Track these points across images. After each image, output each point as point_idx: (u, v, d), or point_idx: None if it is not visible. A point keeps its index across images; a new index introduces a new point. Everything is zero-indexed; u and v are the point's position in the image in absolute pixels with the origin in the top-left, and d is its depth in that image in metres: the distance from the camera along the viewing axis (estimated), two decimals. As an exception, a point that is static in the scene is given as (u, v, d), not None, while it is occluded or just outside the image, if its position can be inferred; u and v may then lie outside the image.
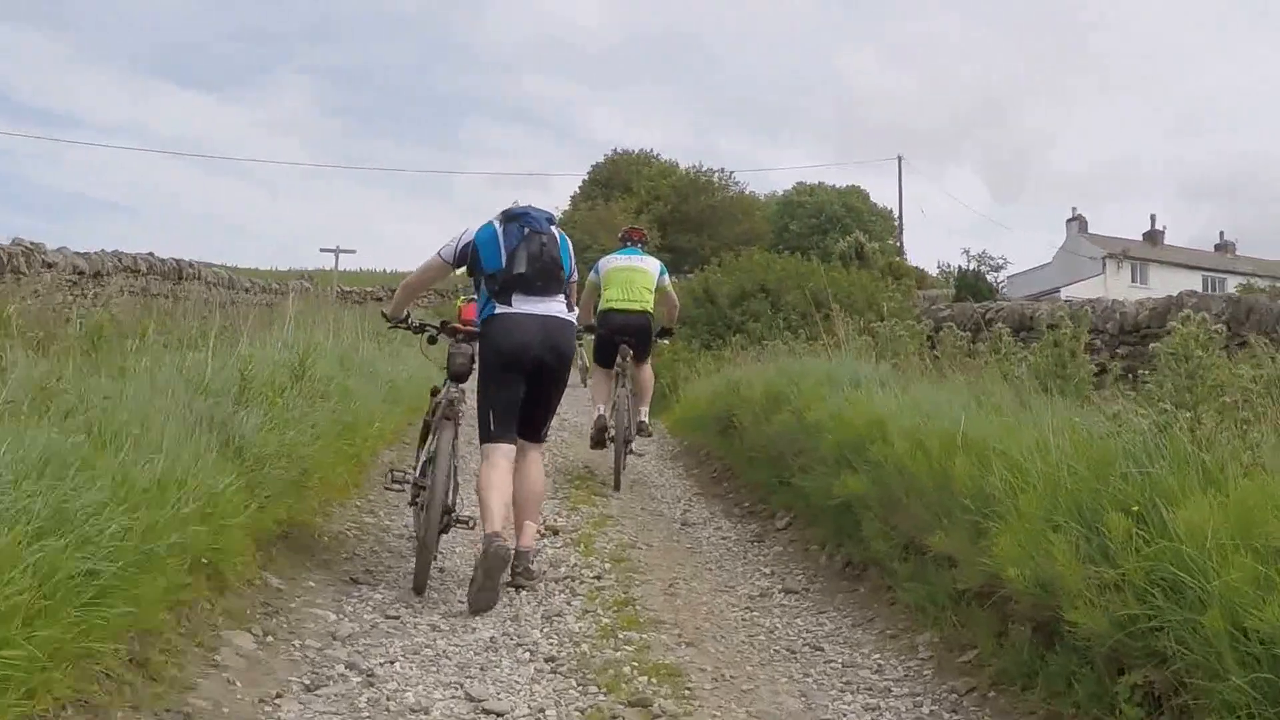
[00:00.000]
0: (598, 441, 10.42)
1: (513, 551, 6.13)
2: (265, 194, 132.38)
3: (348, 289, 39.39)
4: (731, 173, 62.84)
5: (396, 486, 6.74)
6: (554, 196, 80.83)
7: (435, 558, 6.47)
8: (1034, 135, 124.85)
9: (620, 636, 5.61)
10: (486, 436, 6.35)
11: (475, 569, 6.00)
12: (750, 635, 5.90)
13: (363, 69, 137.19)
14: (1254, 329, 9.57)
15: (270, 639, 5.22)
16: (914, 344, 9.19)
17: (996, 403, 6.44)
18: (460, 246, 6.56)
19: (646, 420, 10.83)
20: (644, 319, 10.41)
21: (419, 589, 6.16)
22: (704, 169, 61.09)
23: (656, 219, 51.96)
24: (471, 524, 6.39)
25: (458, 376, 6.58)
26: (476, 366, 6.62)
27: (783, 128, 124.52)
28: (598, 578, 6.77)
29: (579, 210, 53.61)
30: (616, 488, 9.92)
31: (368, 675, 4.85)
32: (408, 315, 7.14)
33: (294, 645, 5.24)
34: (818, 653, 5.63)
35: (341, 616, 5.76)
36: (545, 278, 6.32)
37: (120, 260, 17.35)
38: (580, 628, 5.76)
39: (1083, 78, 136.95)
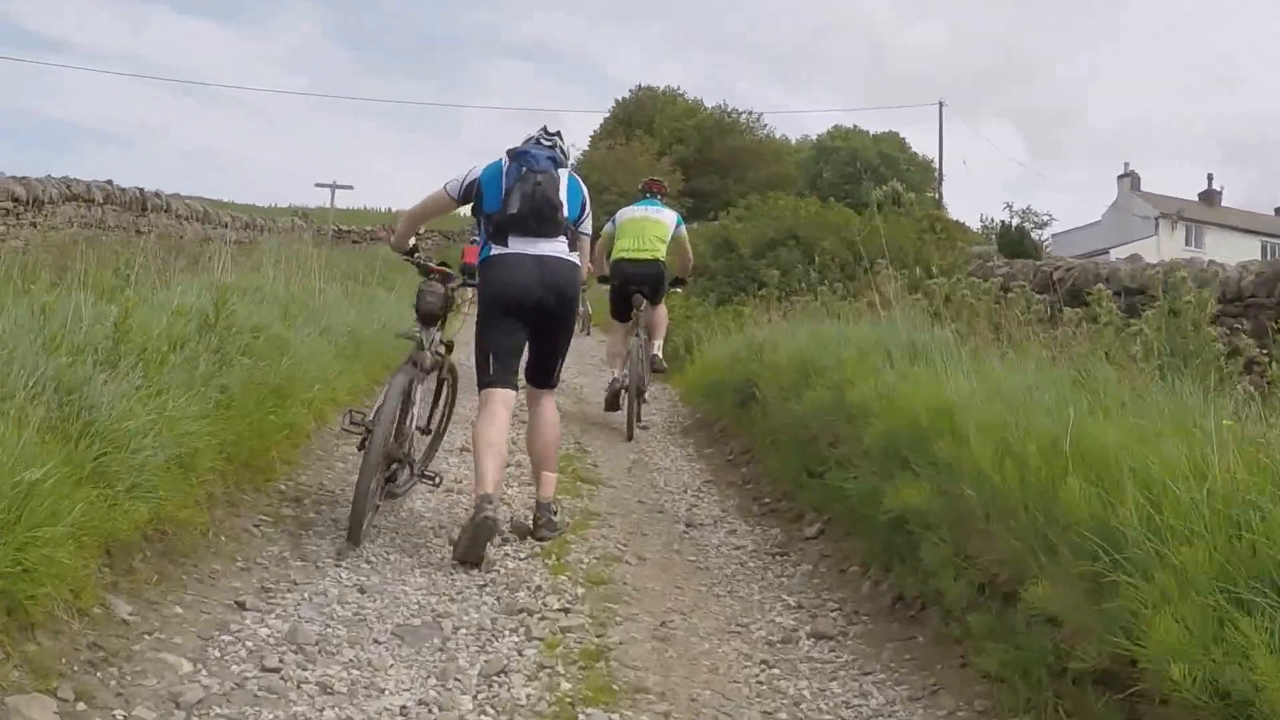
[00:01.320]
0: (611, 405, 10.67)
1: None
2: (266, 129, 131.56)
3: (345, 228, 37.80)
4: (759, 114, 61.14)
5: (354, 428, 6.07)
6: (570, 136, 77.95)
7: (373, 510, 6.02)
8: (1069, 90, 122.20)
9: (583, 716, 3.95)
10: (484, 380, 6.14)
11: (463, 531, 5.74)
12: (768, 711, 4.24)
13: (373, 2, 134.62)
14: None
15: (82, 705, 3.60)
16: (982, 306, 7.41)
17: (1103, 390, 4.76)
18: (466, 183, 6.36)
19: (660, 354, 10.88)
20: (656, 266, 10.54)
21: (353, 539, 5.68)
22: (730, 109, 59.25)
23: (679, 161, 50.31)
24: (437, 480, 6.49)
25: (426, 318, 6.35)
26: (476, 312, 6.33)
27: (806, 75, 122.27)
28: (565, 610, 5.12)
29: (598, 150, 51.90)
30: (629, 438, 9.94)
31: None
32: (415, 249, 6.86)
33: (114, 716, 3.61)
34: (865, 747, 3.94)
35: (200, 666, 4.11)
36: (539, 218, 6.07)
37: (70, 188, 15.65)
38: (528, 696, 4.14)
39: (1116, 31, 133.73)
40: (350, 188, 33.12)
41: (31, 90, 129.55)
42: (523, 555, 5.97)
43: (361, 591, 5.15)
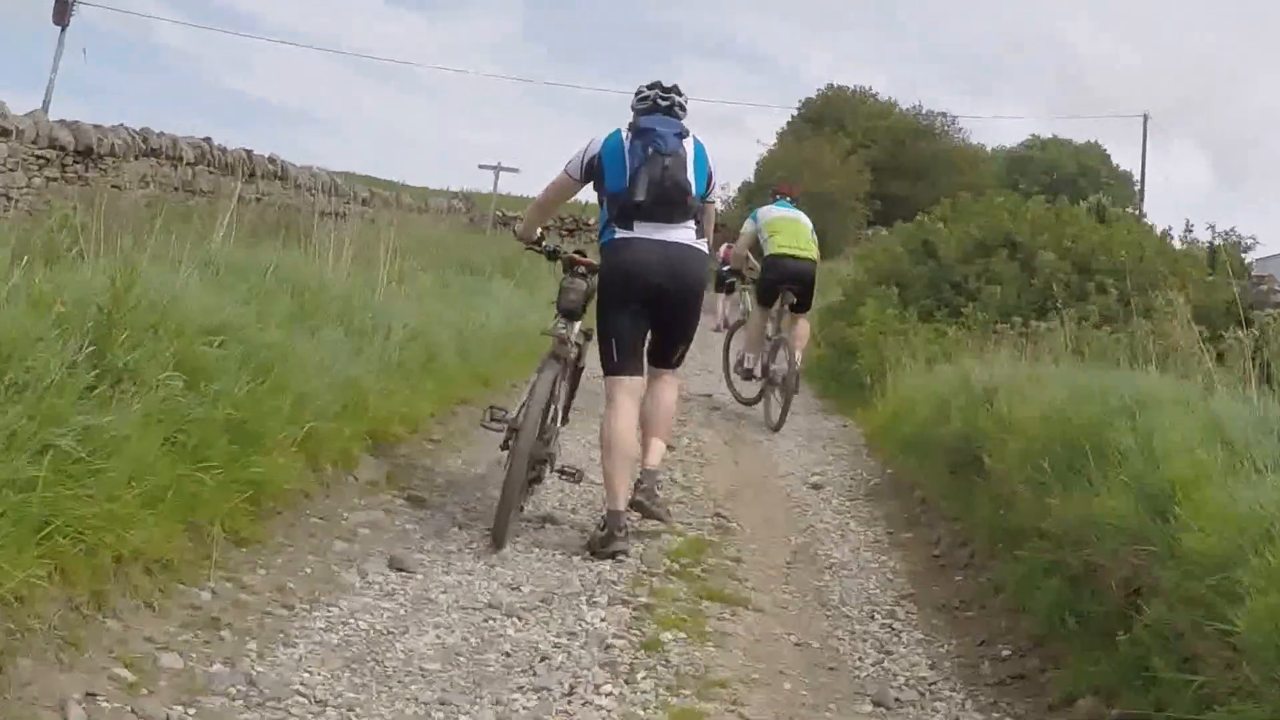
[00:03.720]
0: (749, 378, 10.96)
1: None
2: (458, 117, 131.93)
3: (511, 214, 35.42)
4: (955, 118, 56.91)
5: (495, 425, 5.90)
6: (750, 135, 75.68)
7: (521, 509, 5.84)
8: (1261, 115, 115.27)
9: None
10: (609, 368, 5.93)
11: (590, 539, 5.64)
12: None
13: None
14: None
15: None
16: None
17: None
18: (586, 160, 6.02)
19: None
20: (812, 267, 10.66)
21: (498, 542, 5.39)
22: (924, 111, 55.62)
23: (869, 163, 46.51)
24: (577, 477, 6.10)
25: (568, 313, 6.11)
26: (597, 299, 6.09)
27: (995, 89, 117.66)
28: None
29: (784, 145, 48.85)
30: (776, 429, 10.07)
31: None
32: (541, 237, 6.76)
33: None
34: None
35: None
36: (668, 204, 5.75)
37: (146, 141, 13.33)
38: None
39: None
40: (516, 170, 30.81)
41: (224, 66, 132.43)
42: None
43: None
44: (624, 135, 5.88)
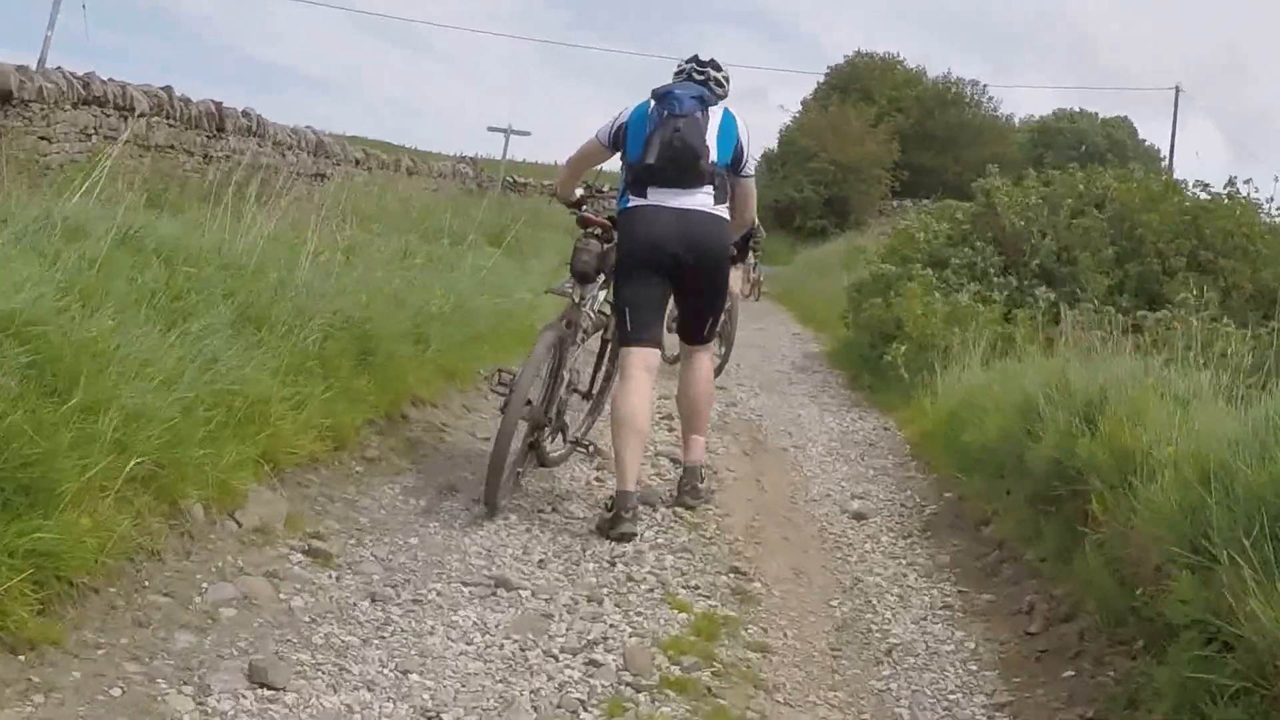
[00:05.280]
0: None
1: (635, 532, 5.24)
2: (475, 83, 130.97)
3: (521, 179, 33.73)
4: (985, 86, 55.36)
5: (500, 390, 5.40)
6: (780, 98, 74.34)
7: (516, 476, 5.53)
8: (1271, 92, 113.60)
9: None
10: (624, 337, 5.73)
11: (600, 525, 5.27)
12: None
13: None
14: None
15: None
16: None
17: None
18: (615, 128, 5.93)
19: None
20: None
21: (490, 506, 5.18)
22: (954, 80, 53.90)
23: (896, 132, 45.10)
24: (592, 449, 6.13)
25: (580, 275, 5.84)
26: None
27: (1009, 60, 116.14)
28: None
29: (809, 113, 47.27)
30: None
31: None
32: (581, 200, 6.44)
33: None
34: None
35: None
36: (679, 168, 5.56)
37: (86, 88, 11.58)
38: None
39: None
40: (527, 134, 29.22)
41: (244, 30, 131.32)
42: None
43: None
44: (650, 104, 5.75)
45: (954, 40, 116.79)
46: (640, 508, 5.41)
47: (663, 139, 5.55)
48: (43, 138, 10.61)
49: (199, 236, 5.51)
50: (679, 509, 5.72)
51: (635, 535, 5.19)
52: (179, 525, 3.94)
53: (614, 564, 4.73)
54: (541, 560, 4.69)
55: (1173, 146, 49.42)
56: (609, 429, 5.62)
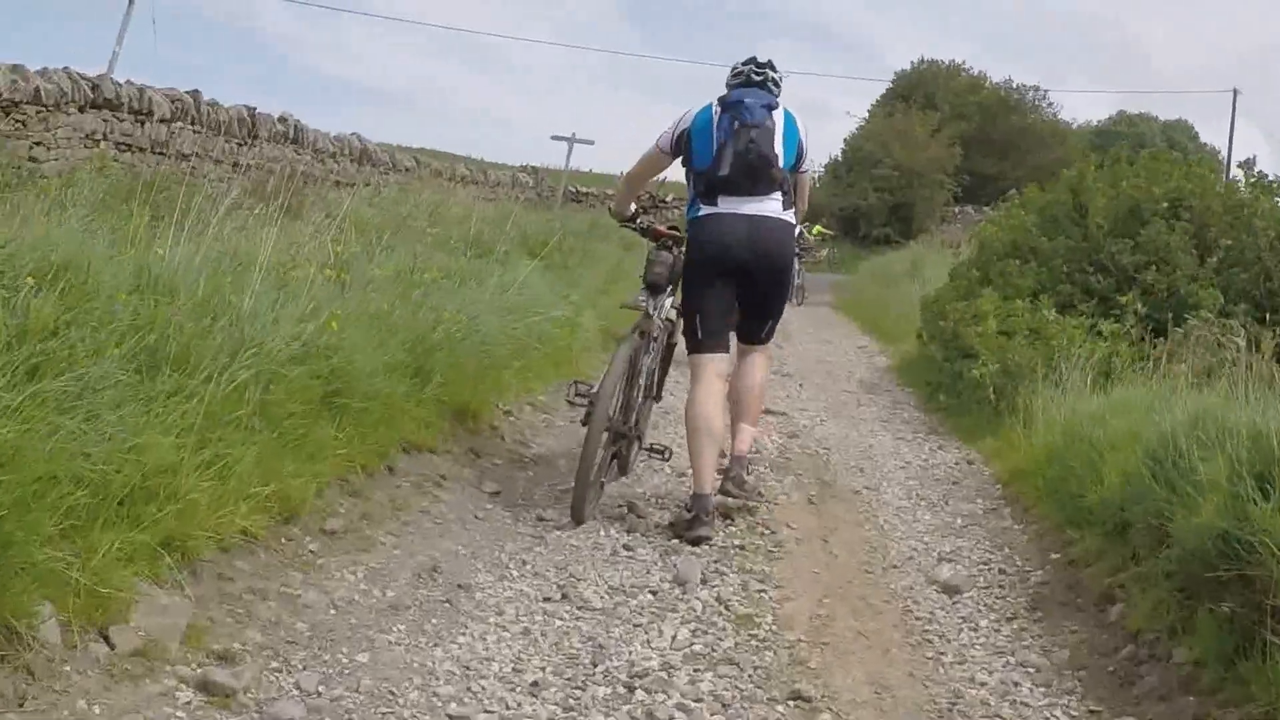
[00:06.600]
0: None
1: (713, 534, 5.36)
2: (547, 98, 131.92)
3: (584, 189, 32.76)
4: (1046, 91, 55.43)
5: (579, 400, 5.68)
6: (835, 117, 74.63)
7: (599, 486, 5.63)
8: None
9: None
10: (694, 345, 5.84)
11: (675, 526, 5.43)
12: None
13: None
14: None
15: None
16: None
17: None
18: (676, 133, 5.92)
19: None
20: None
21: (576, 518, 5.30)
22: (1015, 85, 53.99)
23: (958, 138, 44.64)
24: (666, 454, 6.20)
25: (652, 286, 5.96)
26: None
27: (1065, 68, 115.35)
28: None
29: (874, 119, 46.89)
30: None
31: None
32: (636, 214, 6.68)
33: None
34: None
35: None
36: (753, 178, 5.61)
37: (94, 90, 10.55)
38: None
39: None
40: (591, 142, 28.62)
41: (320, 48, 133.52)
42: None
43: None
44: (714, 110, 5.77)
45: (1005, 48, 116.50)
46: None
47: (736, 149, 5.60)
48: (38, 143, 9.64)
49: (120, 254, 4.36)
50: (723, 499, 5.67)
51: (711, 539, 5.27)
52: (13, 655, 2.81)
53: (632, 689, 3.49)
54: (536, 682, 3.49)
55: (1230, 149, 48.05)
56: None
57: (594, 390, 5.61)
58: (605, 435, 5.52)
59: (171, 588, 3.40)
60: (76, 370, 3.23)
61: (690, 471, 5.70)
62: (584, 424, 5.58)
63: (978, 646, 4.39)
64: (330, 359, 4.72)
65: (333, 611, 3.81)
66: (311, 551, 4.18)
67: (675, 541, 5.23)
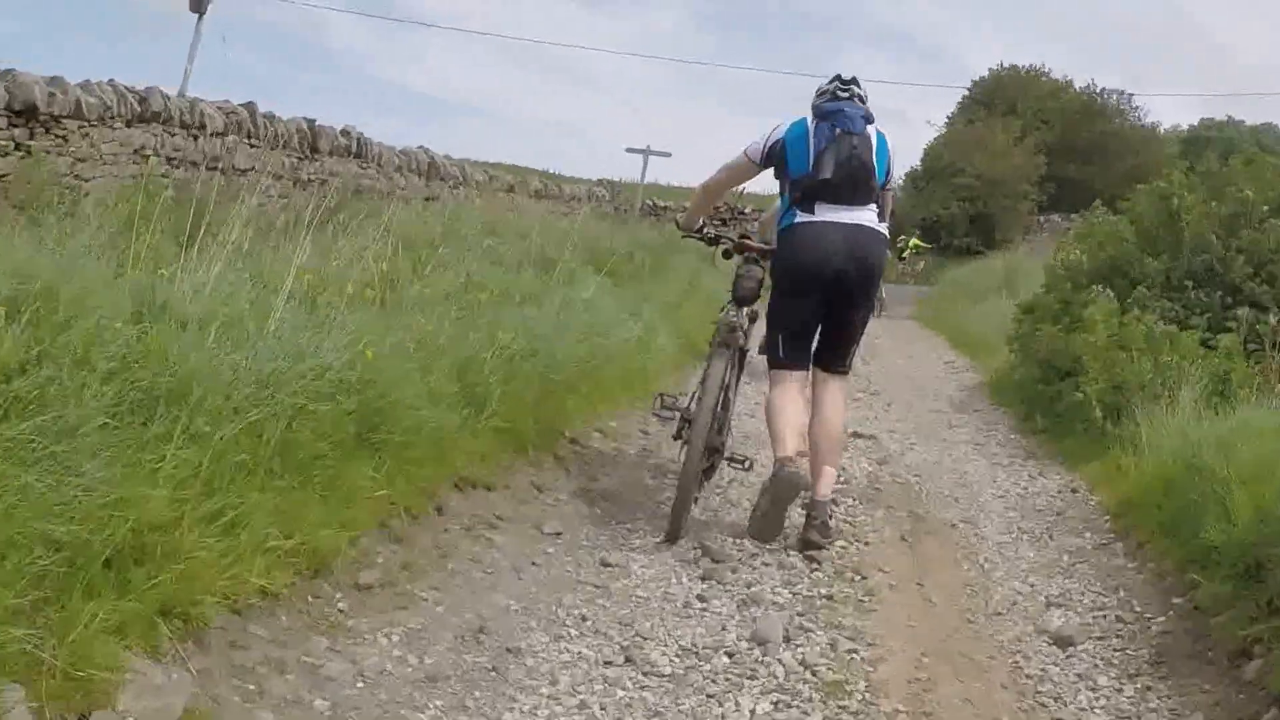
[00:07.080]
0: None
1: (806, 480, 5.51)
2: (622, 110, 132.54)
3: (662, 203, 32.31)
4: (1131, 95, 53.37)
5: (666, 413, 5.87)
6: (912, 126, 73.80)
7: (695, 501, 5.62)
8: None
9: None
10: (775, 362, 5.77)
11: (761, 495, 5.50)
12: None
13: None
14: None
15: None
16: None
17: None
18: (768, 145, 5.81)
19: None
20: None
21: (672, 537, 5.26)
22: (1099, 89, 52.02)
23: (1042, 145, 43.52)
24: (747, 464, 6.08)
25: (742, 300, 5.98)
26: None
27: (1147, 71, 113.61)
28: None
29: (954, 128, 45.94)
30: None
31: None
32: (703, 225, 6.53)
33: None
34: None
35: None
36: (854, 185, 5.57)
37: (141, 103, 10.17)
38: None
39: None
40: (667, 155, 28.14)
41: (397, 61, 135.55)
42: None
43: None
44: (809, 122, 5.71)
45: (1086, 52, 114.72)
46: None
47: (838, 155, 5.55)
48: (81, 159, 9.30)
49: (119, 279, 3.93)
50: (805, 551, 5.32)
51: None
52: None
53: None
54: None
55: (1315, 153, 47.07)
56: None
57: (688, 407, 5.70)
58: (704, 452, 5.47)
59: (171, 662, 2.96)
60: (49, 413, 2.79)
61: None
62: (676, 438, 5.75)
63: (1098, 710, 3.86)
64: (363, 391, 4.26)
65: (360, 685, 3.33)
66: (341, 611, 3.71)
67: (753, 590, 4.72)
